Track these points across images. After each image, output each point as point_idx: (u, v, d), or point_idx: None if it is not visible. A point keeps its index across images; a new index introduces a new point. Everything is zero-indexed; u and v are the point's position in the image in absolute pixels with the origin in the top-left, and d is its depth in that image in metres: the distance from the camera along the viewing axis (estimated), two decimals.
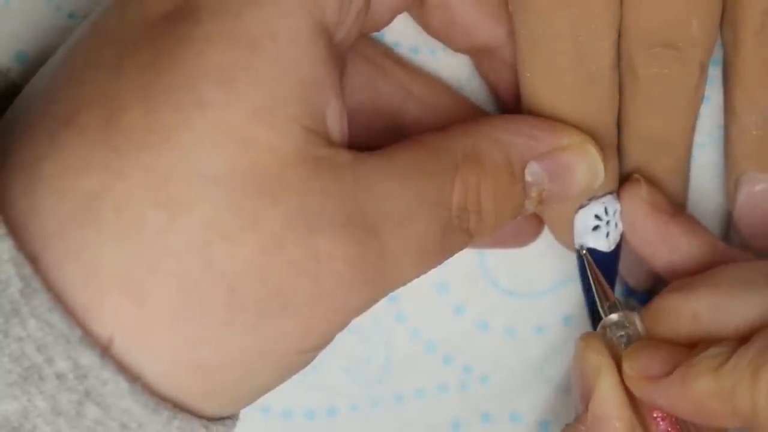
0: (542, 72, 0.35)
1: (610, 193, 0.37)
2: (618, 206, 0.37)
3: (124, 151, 0.29)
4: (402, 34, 0.38)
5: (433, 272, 0.39)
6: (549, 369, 0.40)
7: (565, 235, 0.37)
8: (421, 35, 0.38)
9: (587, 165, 0.35)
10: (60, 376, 0.28)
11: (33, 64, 0.35)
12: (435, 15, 0.36)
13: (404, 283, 0.32)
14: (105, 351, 0.29)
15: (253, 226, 0.29)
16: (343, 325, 0.31)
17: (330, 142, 0.31)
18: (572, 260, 0.38)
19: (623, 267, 0.39)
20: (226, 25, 0.30)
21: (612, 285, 0.37)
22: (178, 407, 0.30)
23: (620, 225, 0.37)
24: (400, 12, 0.36)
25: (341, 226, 0.30)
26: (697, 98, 0.36)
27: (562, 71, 0.35)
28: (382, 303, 0.39)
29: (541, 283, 0.40)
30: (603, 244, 0.37)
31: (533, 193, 0.34)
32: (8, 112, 0.31)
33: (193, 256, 0.29)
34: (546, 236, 0.39)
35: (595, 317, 0.37)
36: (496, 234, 0.35)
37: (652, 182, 0.37)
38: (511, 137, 0.34)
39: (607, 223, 0.36)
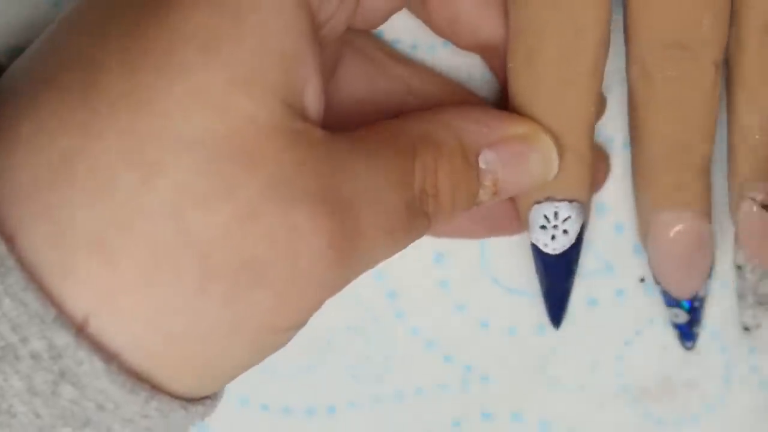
0: (523, 65, 0.35)
1: (569, 200, 0.36)
2: (572, 215, 0.36)
3: (102, 111, 0.29)
4: (402, 31, 0.38)
5: (433, 270, 0.39)
6: (550, 368, 0.40)
7: (524, 226, 0.38)
8: (422, 32, 0.38)
9: (540, 154, 0.35)
10: (35, 356, 0.28)
11: None
12: (439, 12, 0.36)
13: (373, 266, 0.32)
14: (80, 330, 0.29)
15: (229, 193, 0.29)
16: (317, 304, 0.31)
17: (307, 118, 0.31)
18: None
19: (664, 275, 0.38)
20: None
21: (565, 288, 0.38)
22: (156, 388, 0.30)
23: (572, 234, 0.37)
24: (397, 8, 0.36)
25: (318, 199, 0.30)
26: (714, 97, 0.36)
27: (542, 67, 0.35)
28: (382, 300, 0.40)
29: None
30: (548, 244, 0.37)
31: (487, 182, 0.34)
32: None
33: (166, 219, 0.29)
34: None
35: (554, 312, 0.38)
36: (492, 219, 0.37)
37: (676, 185, 0.37)
38: (464, 123, 0.34)
39: (554, 227, 0.36)
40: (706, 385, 0.40)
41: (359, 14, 0.35)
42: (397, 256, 0.38)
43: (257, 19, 0.30)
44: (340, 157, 0.31)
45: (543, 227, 0.37)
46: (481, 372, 0.40)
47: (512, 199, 0.38)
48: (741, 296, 0.39)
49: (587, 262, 0.39)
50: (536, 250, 0.37)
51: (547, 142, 0.35)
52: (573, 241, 0.37)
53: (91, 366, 0.29)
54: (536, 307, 0.39)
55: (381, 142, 0.32)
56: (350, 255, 0.31)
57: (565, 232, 0.37)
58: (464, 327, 0.40)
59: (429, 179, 0.33)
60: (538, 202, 0.36)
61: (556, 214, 0.36)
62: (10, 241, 0.29)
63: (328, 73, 0.36)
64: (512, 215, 0.38)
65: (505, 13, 0.36)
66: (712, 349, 0.40)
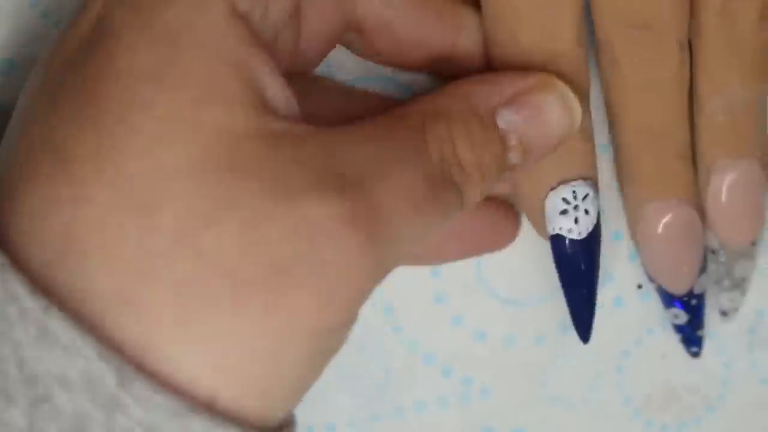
0: (507, 49, 0.35)
1: (583, 178, 0.36)
2: (590, 192, 0.36)
3: (83, 176, 0.29)
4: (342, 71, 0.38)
5: (430, 283, 0.39)
6: (550, 380, 0.40)
7: (538, 222, 0.37)
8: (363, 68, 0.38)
9: (558, 99, 0.34)
10: None
11: (21, 70, 0.36)
12: (379, 38, 0.36)
13: (408, 244, 0.32)
14: (211, 410, 0.29)
15: (231, 205, 0.29)
16: (360, 294, 0.31)
17: (280, 118, 0.31)
18: None
19: (657, 269, 0.38)
20: (144, 29, 0.30)
21: (592, 280, 0.36)
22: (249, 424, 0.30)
23: (592, 213, 0.36)
24: (329, 48, 0.36)
25: (321, 188, 0.30)
26: (683, 78, 0.36)
27: (527, 45, 0.35)
28: (379, 315, 0.39)
29: (539, 291, 0.39)
30: (572, 228, 0.36)
31: (513, 141, 0.34)
32: None
33: (180, 252, 0.29)
34: (542, 243, 0.39)
35: (579, 317, 0.37)
36: (473, 236, 0.36)
37: (658, 173, 0.37)
38: (472, 87, 0.34)
39: (575, 207, 0.36)
40: (707, 387, 0.40)
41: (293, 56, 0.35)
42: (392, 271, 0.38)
43: (193, 38, 0.30)
44: (337, 146, 0.31)
45: (564, 212, 0.36)
46: (480, 385, 0.40)
47: (499, 211, 0.37)
48: (717, 281, 0.39)
49: None
50: (558, 246, 0.36)
51: (561, 87, 0.34)
52: (595, 221, 0.36)
53: (203, 426, 0.29)
54: (534, 318, 0.39)
55: (385, 125, 0.32)
56: (376, 234, 0.30)
57: (586, 212, 0.36)
58: (462, 339, 0.40)
59: (447, 149, 0.32)
60: (552, 189, 0.36)
61: (574, 193, 0.36)
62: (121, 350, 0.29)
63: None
64: (500, 228, 0.38)
65: (444, 15, 0.36)
66: (710, 352, 0.40)
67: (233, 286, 0.29)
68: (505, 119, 0.33)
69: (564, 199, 0.36)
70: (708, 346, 0.40)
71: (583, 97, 0.35)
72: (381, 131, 0.32)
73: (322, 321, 0.30)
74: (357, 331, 0.39)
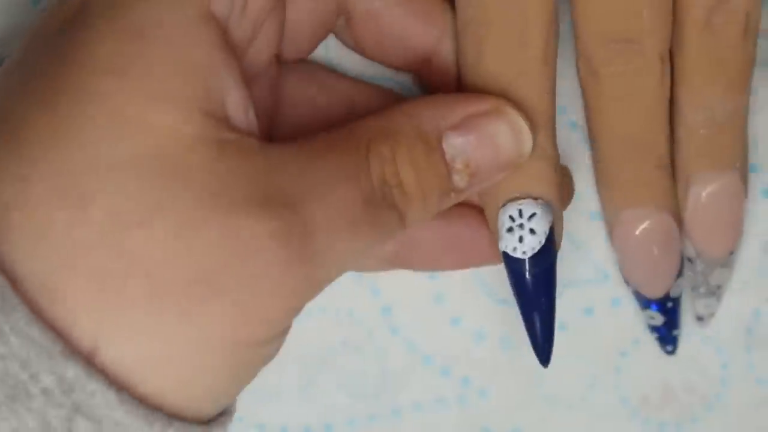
0: (473, 58, 0.35)
1: (533, 197, 0.35)
2: (537, 211, 0.35)
3: (31, 157, 0.29)
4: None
5: (428, 284, 0.39)
6: (548, 380, 0.40)
7: (495, 238, 0.36)
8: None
9: (507, 126, 0.34)
10: (46, 392, 0.28)
11: None
12: (365, 28, 0.36)
13: (341, 263, 0.32)
14: (89, 361, 0.29)
15: (162, 209, 0.29)
16: (284, 312, 0.31)
17: (233, 128, 0.31)
18: (564, 268, 0.38)
19: (633, 275, 0.38)
20: (115, 21, 0.30)
21: (542, 301, 0.36)
22: (170, 415, 0.30)
23: (540, 233, 0.35)
24: (324, 32, 0.36)
25: (257, 203, 0.30)
26: (664, 90, 0.35)
27: (492, 58, 0.34)
28: (378, 317, 0.39)
29: None
30: (517, 247, 0.35)
31: (458, 165, 0.33)
32: None
33: (105, 247, 0.29)
34: None
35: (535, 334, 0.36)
36: (467, 248, 0.36)
37: (636, 181, 0.36)
38: (420, 110, 0.33)
39: (521, 226, 0.35)
40: (705, 387, 0.40)
41: (285, 42, 0.35)
42: (391, 271, 0.38)
43: (161, 36, 0.30)
44: (281, 162, 0.31)
45: (510, 230, 0.35)
46: (478, 385, 0.40)
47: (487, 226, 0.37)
48: (693, 287, 0.39)
49: (582, 271, 0.39)
50: (507, 264, 0.35)
51: (512, 114, 0.34)
52: (542, 242, 0.35)
53: (104, 397, 0.28)
54: None
55: (331, 142, 0.32)
56: (306, 252, 0.30)
57: (532, 231, 0.35)
58: (460, 340, 0.40)
59: (388, 169, 0.32)
60: (503, 206, 0.35)
61: (520, 212, 0.35)
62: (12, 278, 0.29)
63: (270, 101, 0.36)
64: (487, 244, 0.37)
65: (430, 17, 0.36)
66: (708, 352, 0.40)
67: (151, 289, 0.29)
68: (451, 143, 0.33)
69: (510, 217, 0.35)
70: (705, 346, 0.40)
71: (544, 116, 0.35)
72: (326, 148, 0.32)
73: (241, 334, 0.30)
74: (355, 331, 0.39)
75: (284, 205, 0.30)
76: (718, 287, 0.39)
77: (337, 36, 0.37)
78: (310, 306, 0.39)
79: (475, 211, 0.37)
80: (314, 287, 0.31)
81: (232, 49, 0.32)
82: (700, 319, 0.39)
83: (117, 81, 0.30)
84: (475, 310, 0.39)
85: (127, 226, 0.29)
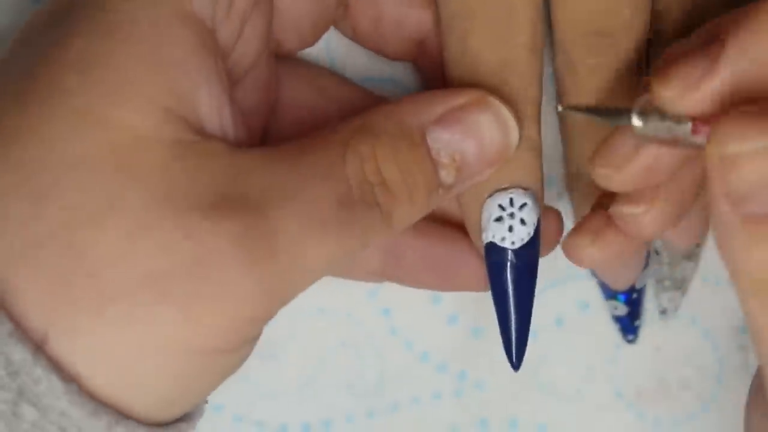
0: (458, 51, 0.34)
1: (522, 188, 0.34)
2: (528, 202, 0.34)
3: None
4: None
5: None
6: (544, 373, 0.40)
7: (475, 230, 0.35)
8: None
9: (491, 116, 0.33)
10: None
11: None
12: (362, 14, 0.36)
13: (313, 267, 0.30)
14: (39, 347, 0.28)
15: (114, 208, 0.29)
16: (245, 318, 0.30)
17: (200, 131, 0.30)
18: (561, 262, 0.38)
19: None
20: (93, 19, 0.30)
21: (523, 296, 0.34)
22: (122, 414, 0.29)
23: (529, 224, 0.34)
24: (325, 22, 0.36)
25: (214, 205, 0.29)
26: (639, 84, 0.35)
27: (478, 50, 0.34)
28: (375, 317, 0.39)
29: None
30: (506, 237, 0.34)
31: (444, 159, 0.32)
32: None
33: (56, 243, 0.28)
34: None
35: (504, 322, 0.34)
36: (448, 272, 0.35)
37: None
38: (402, 107, 0.32)
39: (511, 215, 0.34)
40: (701, 384, 0.40)
41: (285, 30, 0.35)
42: None
43: (131, 33, 0.30)
44: (249, 166, 0.30)
45: (499, 219, 0.34)
46: (475, 378, 0.40)
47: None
48: (658, 281, 0.39)
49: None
50: (490, 255, 0.34)
51: (495, 104, 0.33)
52: (531, 234, 0.34)
53: (49, 385, 0.28)
54: None
55: (308, 144, 0.31)
56: (268, 255, 0.29)
57: (522, 222, 0.34)
58: (457, 336, 0.40)
59: (369, 167, 0.31)
60: (490, 196, 0.34)
61: (511, 200, 0.34)
62: None
63: (265, 99, 0.35)
64: (475, 267, 0.36)
65: (429, 5, 0.35)
66: (705, 349, 0.40)
67: (97, 290, 0.28)
68: (435, 137, 0.32)
69: (500, 206, 0.34)
70: (702, 342, 0.40)
71: (531, 107, 0.34)
72: (301, 151, 0.31)
73: (193, 341, 0.29)
74: (355, 331, 0.40)
75: (246, 207, 0.29)
76: (683, 281, 0.39)
77: (336, 27, 0.37)
78: (310, 307, 0.39)
79: (461, 234, 0.36)
80: (279, 292, 0.30)
81: (217, 48, 0.31)
82: (663, 312, 0.40)
83: (80, 78, 0.29)
84: (471, 307, 0.40)
85: (79, 224, 0.28)
